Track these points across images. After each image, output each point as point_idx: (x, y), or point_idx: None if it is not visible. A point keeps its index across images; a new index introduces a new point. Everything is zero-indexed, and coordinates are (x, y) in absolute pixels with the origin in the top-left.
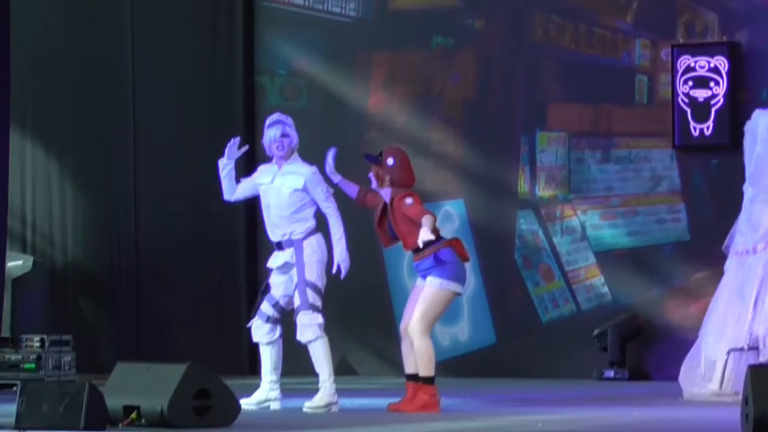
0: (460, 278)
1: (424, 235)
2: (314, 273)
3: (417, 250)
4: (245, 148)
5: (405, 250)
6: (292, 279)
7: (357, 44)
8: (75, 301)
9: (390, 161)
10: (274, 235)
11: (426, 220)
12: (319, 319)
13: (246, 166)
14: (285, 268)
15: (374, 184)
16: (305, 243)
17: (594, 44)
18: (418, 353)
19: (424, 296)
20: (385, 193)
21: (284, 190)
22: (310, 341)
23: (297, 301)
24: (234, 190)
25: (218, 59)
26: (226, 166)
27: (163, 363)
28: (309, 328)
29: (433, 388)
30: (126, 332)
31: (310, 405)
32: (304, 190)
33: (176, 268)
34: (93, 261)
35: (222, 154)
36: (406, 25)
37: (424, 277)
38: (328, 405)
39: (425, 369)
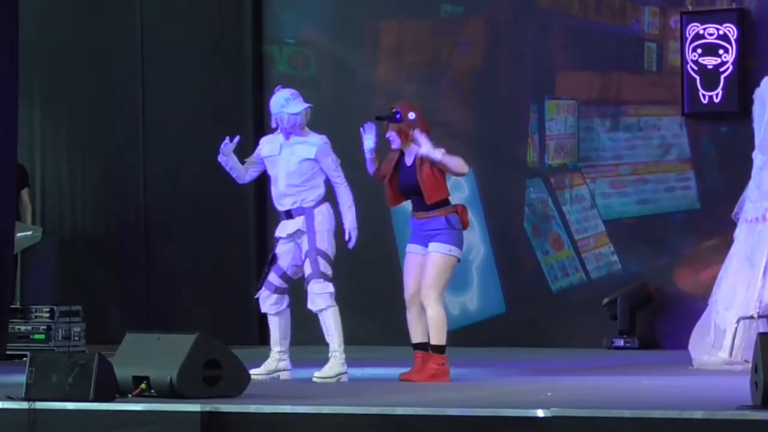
0: (462, 245)
1: (430, 151)
2: (325, 241)
3: (430, 208)
4: (237, 139)
5: (427, 202)
6: (300, 248)
7: (365, 13)
8: (84, 271)
9: (412, 115)
10: (282, 204)
11: (451, 159)
12: (330, 288)
13: (255, 136)
14: (295, 236)
15: (396, 143)
16: (316, 211)
17: (603, 11)
18: (431, 320)
19: (434, 263)
20: (410, 151)
21: (293, 159)
22: (321, 310)
23: (308, 270)
24: (243, 175)
25: (227, 29)
26: (225, 162)
27: (172, 333)
28: (320, 296)
29: (443, 357)
30: (135, 303)
31: (319, 375)
32: (315, 159)
33: (186, 238)
34: (102, 232)
35: (231, 128)
36: None
37: (428, 237)
38: (338, 375)
39: (437, 337)
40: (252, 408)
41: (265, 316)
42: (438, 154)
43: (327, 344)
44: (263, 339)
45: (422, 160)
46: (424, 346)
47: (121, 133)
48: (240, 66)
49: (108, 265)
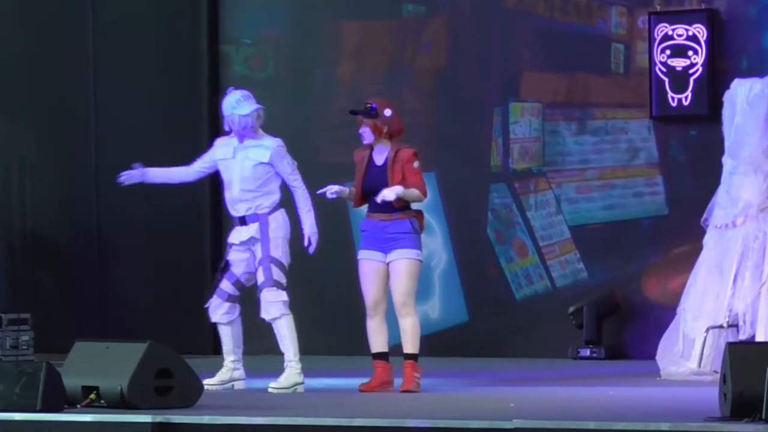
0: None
1: (391, 194)
2: (279, 249)
3: (392, 210)
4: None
5: (395, 204)
6: (254, 255)
7: (325, 12)
8: (34, 278)
9: (388, 112)
10: (236, 210)
11: (411, 193)
12: (283, 296)
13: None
14: (249, 243)
15: (368, 139)
16: (271, 218)
17: (569, 11)
18: (411, 329)
19: (406, 270)
20: (381, 149)
21: (248, 163)
22: (275, 318)
23: (261, 278)
24: (185, 175)
25: (181, 28)
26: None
27: (122, 342)
28: (274, 305)
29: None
30: (86, 310)
31: (275, 385)
32: (270, 163)
33: (138, 243)
34: (52, 236)
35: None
36: None
37: (388, 241)
38: (294, 385)
39: (416, 346)
40: (205, 419)
41: (215, 325)
42: (398, 191)
43: (281, 354)
44: (217, 348)
45: (394, 160)
46: (385, 356)
47: (72, 135)
48: (195, 67)
49: (58, 272)
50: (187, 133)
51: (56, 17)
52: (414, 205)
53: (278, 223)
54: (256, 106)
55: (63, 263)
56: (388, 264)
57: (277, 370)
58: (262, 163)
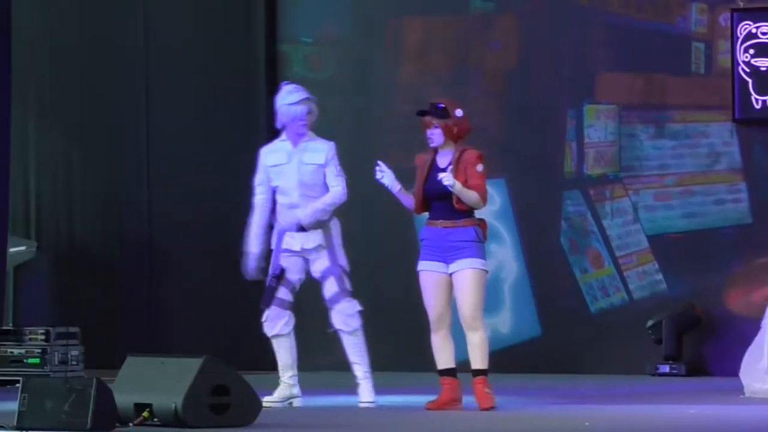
0: None
1: (450, 179)
2: (344, 257)
3: (456, 217)
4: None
5: (456, 206)
6: (307, 262)
7: (388, 9)
8: (83, 290)
9: (459, 112)
10: (294, 216)
11: (469, 194)
12: (358, 306)
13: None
14: (312, 251)
15: (437, 142)
16: (331, 224)
17: (646, 8)
18: (480, 345)
19: (473, 282)
20: (446, 152)
21: (305, 168)
22: (355, 330)
23: (333, 288)
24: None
25: (238, 27)
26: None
27: (177, 357)
28: (354, 317)
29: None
30: (137, 324)
31: (367, 399)
32: (324, 164)
33: (191, 255)
34: (102, 248)
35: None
36: None
37: (451, 250)
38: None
39: (486, 361)
40: None
41: (270, 339)
42: (457, 185)
43: (351, 368)
44: (273, 364)
45: (459, 160)
46: (453, 372)
47: (123, 142)
48: (252, 67)
49: (108, 284)
50: (244, 136)
51: (107, 22)
52: (486, 213)
53: (338, 230)
54: (305, 95)
55: (113, 276)
56: (451, 275)
57: (332, 386)
58: (320, 165)
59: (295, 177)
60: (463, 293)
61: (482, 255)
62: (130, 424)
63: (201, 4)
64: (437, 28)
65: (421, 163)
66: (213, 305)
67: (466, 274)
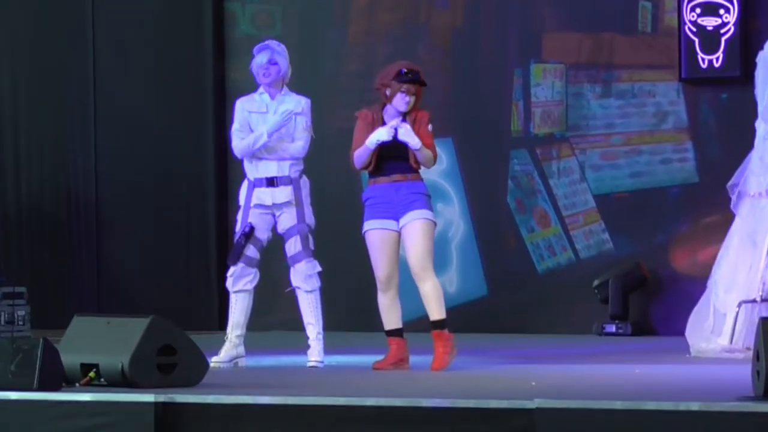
0: None
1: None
2: (312, 216)
3: (407, 171)
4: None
5: (414, 164)
6: (275, 218)
7: None
8: (30, 250)
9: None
10: (265, 170)
11: (427, 153)
12: (318, 267)
13: (216, 100)
14: (280, 207)
15: (408, 107)
16: (302, 182)
17: None
18: (434, 292)
19: (423, 231)
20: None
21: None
22: (313, 290)
23: (296, 247)
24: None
25: None
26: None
27: (124, 317)
28: (314, 277)
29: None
30: (85, 284)
31: (316, 358)
32: (300, 113)
33: (140, 214)
34: (49, 208)
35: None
36: None
37: (402, 204)
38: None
39: (443, 310)
40: (211, 399)
41: (227, 296)
42: (419, 144)
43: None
44: (223, 324)
45: (414, 120)
46: (400, 333)
47: (69, 99)
48: (199, 25)
49: (56, 244)
50: (191, 93)
51: None
52: (434, 173)
53: (307, 189)
54: (265, 45)
55: (60, 235)
56: (401, 229)
57: (281, 346)
58: (297, 114)
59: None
60: (413, 243)
61: (431, 207)
62: (77, 384)
63: None
64: None
65: (369, 121)
66: (160, 266)
67: (417, 225)
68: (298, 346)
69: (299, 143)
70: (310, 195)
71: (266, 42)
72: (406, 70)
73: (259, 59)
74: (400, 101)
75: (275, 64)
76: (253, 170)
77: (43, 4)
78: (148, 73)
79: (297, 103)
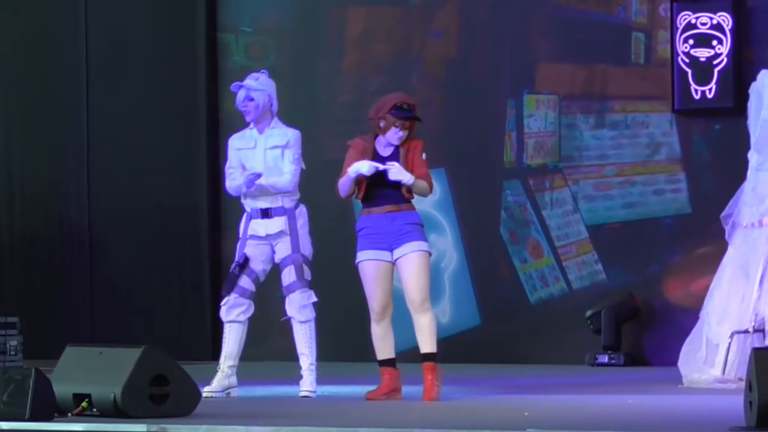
0: None
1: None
2: (308, 246)
3: (400, 201)
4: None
5: (407, 195)
6: (273, 249)
7: None
8: (22, 279)
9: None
10: (258, 202)
11: (421, 184)
12: (314, 297)
13: (209, 130)
14: (275, 237)
15: (398, 139)
16: (297, 212)
17: None
18: (429, 327)
19: (420, 264)
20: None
21: (270, 153)
22: (308, 321)
23: (290, 277)
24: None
25: (179, 15)
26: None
27: (116, 347)
28: (308, 307)
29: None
30: (78, 314)
31: (308, 389)
32: (285, 146)
33: (133, 243)
34: (42, 237)
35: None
36: None
37: (396, 235)
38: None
39: (434, 344)
40: (203, 429)
41: (220, 326)
42: (411, 179)
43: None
44: (216, 354)
45: (407, 150)
46: (393, 363)
47: (63, 127)
48: (192, 56)
49: (48, 273)
50: (184, 123)
51: (51, 9)
52: (427, 203)
53: (304, 218)
54: (240, 83)
55: (53, 265)
56: (396, 261)
57: (273, 376)
58: (281, 147)
59: (261, 162)
60: (411, 276)
61: (426, 238)
62: (69, 414)
63: None
64: (379, 18)
65: (360, 150)
66: (154, 295)
67: (413, 258)
68: (291, 376)
69: (287, 177)
70: (308, 224)
71: (244, 79)
72: (401, 105)
73: (237, 98)
74: (394, 135)
75: (251, 100)
76: (250, 202)
77: (37, 31)
78: (141, 101)
79: (282, 137)
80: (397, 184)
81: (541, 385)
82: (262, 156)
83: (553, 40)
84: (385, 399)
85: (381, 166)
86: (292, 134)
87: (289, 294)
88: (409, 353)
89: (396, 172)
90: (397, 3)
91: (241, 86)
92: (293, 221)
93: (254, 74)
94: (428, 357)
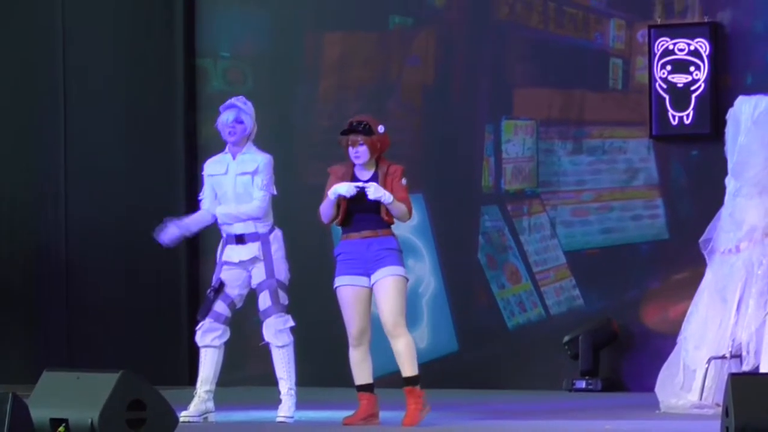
0: None
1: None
2: (283, 271)
3: (378, 226)
4: (174, 233)
5: (385, 218)
6: (250, 274)
7: (307, 24)
8: None
9: (381, 128)
10: (233, 227)
11: (400, 207)
12: (291, 321)
13: (187, 156)
14: (249, 263)
15: (363, 159)
16: (271, 237)
17: (565, 24)
18: (408, 350)
19: (395, 288)
20: (364, 167)
21: (241, 179)
22: (285, 345)
23: (266, 302)
24: (207, 215)
25: (156, 40)
26: (174, 235)
27: (93, 372)
28: (284, 332)
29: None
30: (54, 339)
31: (285, 414)
32: (254, 173)
33: (110, 268)
34: (16, 259)
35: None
36: (361, 2)
37: (372, 260)
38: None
39: (415, 367)
40: None
41: (197, 351)
42: (390, 198)
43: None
44: (193, 379)
45: (386, 174)
46: (370, 388)
47: (39, 153)
48: (171, 81)
49: (24, 297)
50: (162, 149)
51: (25, 28)
52: (405, 228)
53: (279, 243)
54: (231, 104)
55: (28, 288)
56: (372, 285)
57: (245, 402)
58: (250, 173)
59: (231, 188)
60: (385, 300)
61: (403, 263)
62: None
63: (119, 18)
64: (357, 43)
65: (339, 175)
66: (131, 320)
67: (388, 282)
68: (270, 401)
69: (255, 203)
70: (284, 248)
71: (232, 100)
72: (350, 123)
73: (225, 117)
74: (352, 155)
75: (241, 122)
76: (225, 227)
77: (13, 54)
78: (119, 127)
79: (252, 162)
80: (377, 209)
81: (518, 410)
82: (233, 182)
83: (531, 65)
84: (363, 424)
85: (359, 184)
86: (261, 159)
87: (266, 319)
88: (388, 377)
89: (374, 191)
90: (374, 28)
91: (234, 106)
92: (267, 246)
93: (240, 98)
94: (408, 381)
